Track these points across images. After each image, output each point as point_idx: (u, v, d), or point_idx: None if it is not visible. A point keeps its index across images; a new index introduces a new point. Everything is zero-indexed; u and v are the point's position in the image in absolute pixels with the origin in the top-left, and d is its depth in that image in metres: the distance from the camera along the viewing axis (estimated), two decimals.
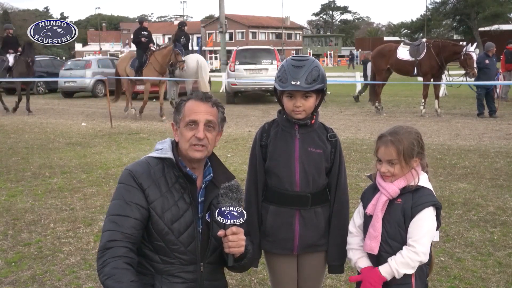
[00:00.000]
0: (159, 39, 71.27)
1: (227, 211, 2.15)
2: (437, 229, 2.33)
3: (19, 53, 15.08)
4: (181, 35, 15.20)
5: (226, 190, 2.19)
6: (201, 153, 2.30)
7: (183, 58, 13.98)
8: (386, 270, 2.25)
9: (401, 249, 2.25)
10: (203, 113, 2.29)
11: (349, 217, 2.65)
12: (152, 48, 13.84)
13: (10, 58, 15.24)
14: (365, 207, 2.39)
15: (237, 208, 2.16)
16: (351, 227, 2.48)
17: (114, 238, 2.15)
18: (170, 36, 14.62)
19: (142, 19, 14.78)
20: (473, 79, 12.96)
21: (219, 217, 2.14)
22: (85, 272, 4.01)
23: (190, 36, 16.50)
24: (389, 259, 2.25)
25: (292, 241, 2.55)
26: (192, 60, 14.33)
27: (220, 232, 2.18)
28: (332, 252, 2.61)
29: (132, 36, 14.46)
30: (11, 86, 23.02)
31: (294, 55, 2.64)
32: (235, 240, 2.18)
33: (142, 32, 14.03)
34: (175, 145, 2.37)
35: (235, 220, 2.15)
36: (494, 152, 8.34)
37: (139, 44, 13.95)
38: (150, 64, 13.63)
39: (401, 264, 2.22)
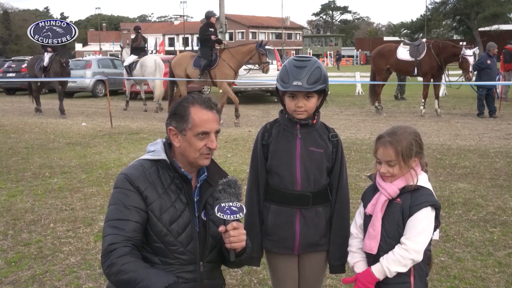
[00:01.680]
0: (159, 39, 71.29)
1: (226, 207, 2.15)
2: (436, 229, 2.33)
3: (55, 53, 14.36)
4: (138, 38, 16.13)
5: (224, 186, 2.19)
6: (209, 160, 2.33)
7: (139, 59, 15.39)
8: (378, 269, 2.26)
9: None
10: (213, 123, 2.30)
11: (349, 217, 2.66)
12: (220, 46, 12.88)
13: (46, 58, 14.58)
14: (365, 207, 2.39)
15: (236, 203, 2.17)
16: (353, 228, 2.48)
17: (116, 241, 2.14)
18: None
19: (210, 14, 13.31)
20: (473, 79, 12.99)
21: (219, 213, 2.14)
22: (85, 272, 4.02)
23: (147, 38, 17.32)
24: (381, 258, 2.26)
25: (293, 240, 2.55)
26: (150, 60, 15.57)
27: (221, 228, 2.18)
28: (333, 252, 2.62)
29: (198, 33, 13.29)
30: (12, 86, 23.09)
31: (296, 55, 2.64)
32: (236, 235, 2.18)
33: (210, 29, 12.97)
34: (167, 146, 2.36)
35: (235, 215, 2.15)
36: (494, 152, 8.34)
37: (207, 42, 12.86)
38: (223, 62, 12.54)
39: (392, 261, 2.22)
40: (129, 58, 16.11)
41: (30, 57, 24.91)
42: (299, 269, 2.65)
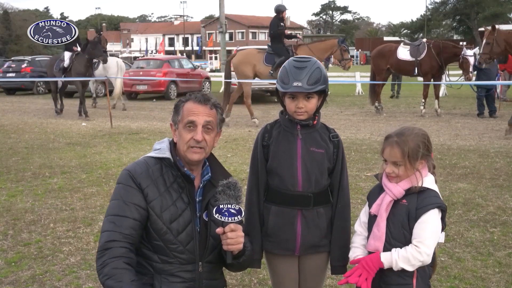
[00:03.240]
0: (159, 39, 71.19)
1: (225, 209, 2.15)
2: (442, 231, 2.32)
3: (76, 52, 13.93)
4: (98, 40, 16.63)
5: (223, 188, 2.19)
6: (199, 155, 2.31)
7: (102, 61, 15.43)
8: (386, 257, 2.25)
9: None
10: (201, 114, 2.30)
11: (350, 217, 2.66)
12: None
13: (66, 58, 14.02)
14: (370, 206, 2.38)
15: (235, 206, 2.16)
16: (357, 226, 2.48)
17: (113, 238, 2.16)
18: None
19: (281, 9, 12.37)
20: (473, 79, 13.00)
21: (217, 214, 2.14)
22: (85, 272, 4.01)
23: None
24: (393, 249, 2.25)
25: (294, 241, 2.54)
26: (113, 62, 16.51)
27: (219, 230, 2.18)
28: (335, 252, 2.61)
29: (269, 28, 12.31)
30: (12, 86, 23.06)
31: (296, 56, 2.64)
32: (234, 237, 2.18)
33: (281, 24, 12.06)
34: (173, 145, 2.38)
35: (233, 218, 2.15)
36: (494, 152, 8.34)
37: (280, 37, 12.01)
38: None
39: (402, 257, 2.21)
40: None
41: (31, 57, 24.73)
42: (299, 270, 2.64)
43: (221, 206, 2.15)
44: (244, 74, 12.12)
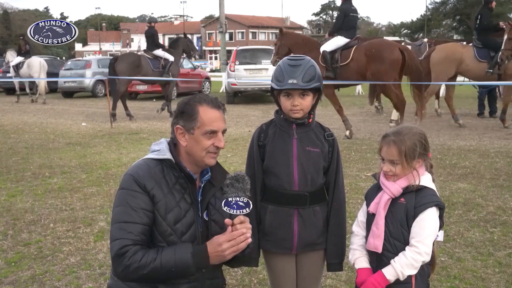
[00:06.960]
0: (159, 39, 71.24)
1: (233, 201, 2.15)
2: (440, 229, 2.33)
3: (171, 50, 13.64)
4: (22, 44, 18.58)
5: (232, 181, 2.20)
6: (215, 160, 2.35)
7: (25, 60, 18.06)
8: (390, 273, 2.24)
9: (403, 248, 2.25)
10: (221, 122, 2.32)
11: (346, 215, 2.69)
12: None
13: (166, 55, 13.51)
14: (368, 205, 2.39)
15: (243, 198, 2.16)
16: (354, 226, 2.48)
17: (125, 244, 2.14)
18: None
19: None
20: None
21: (226, 207, 2.14)
22: (85, 272, 4.01)
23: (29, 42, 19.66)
24: (392, 261, 2.25)
25: (291, 240, 2.56)
26: (36, 61, 18.35)
27: (227, 221, 2.17)
28: (331, 250, 2.63)
29: (479, 20, 10.90)
30: (12, 86, 22.97)
31: (290, 55, 2.65)
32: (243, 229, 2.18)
33: (491, 14, 10.91)
34: (172, 146, 2.36)
35: (241, 210, 2.15)
36: (494, 152, 8.34)
37: (489, 31, 10.71)
38: None
39: (406, 265, 2.22)
40: (15, 59, 18.70)
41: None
42: (297, 268, 2.66)
43: (229, 199, 2.15)
44: (444, 73, 11.08)
